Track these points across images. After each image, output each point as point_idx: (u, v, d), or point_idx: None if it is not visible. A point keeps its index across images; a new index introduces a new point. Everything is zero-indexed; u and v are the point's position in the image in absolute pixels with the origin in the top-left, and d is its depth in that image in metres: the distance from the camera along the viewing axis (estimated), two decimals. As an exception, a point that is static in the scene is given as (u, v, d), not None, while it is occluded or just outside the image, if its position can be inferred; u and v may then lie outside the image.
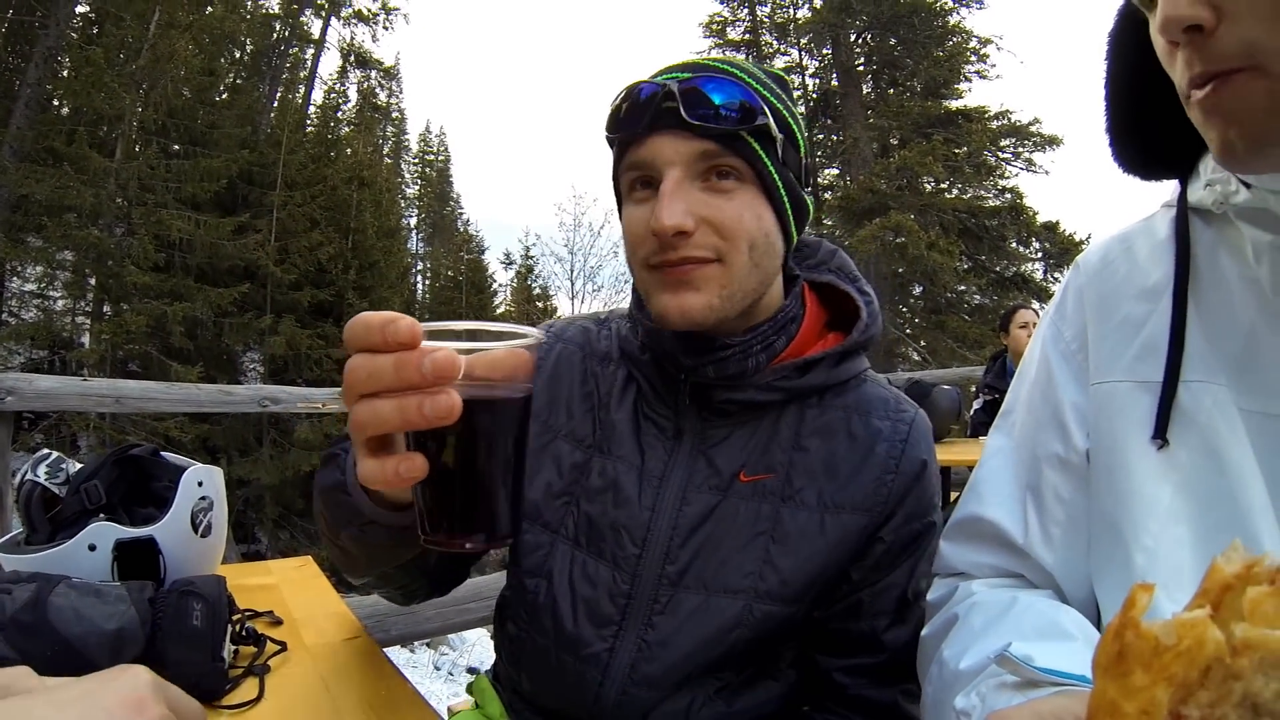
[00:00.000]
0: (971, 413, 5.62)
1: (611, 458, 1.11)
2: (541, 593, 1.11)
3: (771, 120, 0.97)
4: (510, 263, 34.65)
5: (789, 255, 1.09)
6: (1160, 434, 0.81)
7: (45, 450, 1.27)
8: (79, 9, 17.09)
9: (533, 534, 1.13)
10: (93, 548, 1.12)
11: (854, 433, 1.08)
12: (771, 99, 1.00)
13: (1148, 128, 0.88)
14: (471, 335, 0.61)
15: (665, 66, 1.04)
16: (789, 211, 1.02)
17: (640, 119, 0.96)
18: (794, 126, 1.03)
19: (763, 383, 1.06)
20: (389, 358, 0.57)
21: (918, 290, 21.43)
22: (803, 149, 1.05)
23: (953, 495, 5.18)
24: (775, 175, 0.99)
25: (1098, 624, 0.87)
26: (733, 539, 1.04)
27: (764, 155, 0.97)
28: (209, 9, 18.99)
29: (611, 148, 1.06)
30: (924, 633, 1.01)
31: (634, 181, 1.02)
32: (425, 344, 0.58)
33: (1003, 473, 1.00)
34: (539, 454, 1.15)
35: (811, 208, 1.09)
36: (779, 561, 1.03)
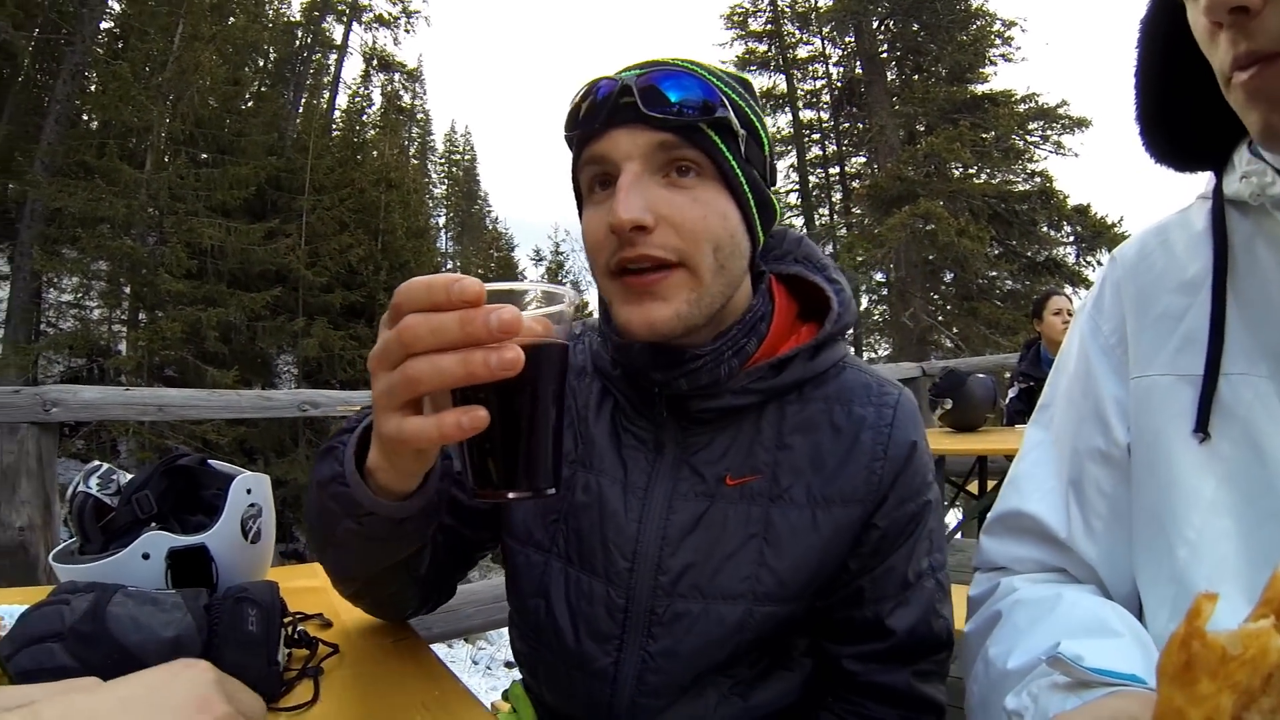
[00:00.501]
0: (1007, 401, 5.56)
1: (594, 472, 1.09)
2: (542, 612, 1.10)
3: (732, 114, 0.94)
4: (540, 259, 34.85)
5: (756, 255, 1.06)
6: (1202, 427, 0.80)
7: (96, 462, 1.29)
8: (104, 25, 17.37)
9: (525, 554, 1.13)
10: (146, 556, 1.13)
11: (837, 423, 1.05)
12: (733, 95, 0.98)
13: (1179, 117, 0.87)
14: (510, 294, 0.65)
15: (626, 65, 1.01)
16: (754, 209, 1.00)
17: (598, 115, 0.94)
18: (757, 125, 1.01)
19: (738, 387, 1.03)
20: (453, 315, 0.59)
21: (948, 277, 21.29)
22: (766, 148, 1.03)
23: (990, 484, 5.14)
24: (738, 170, 0.96)
25: (1140, 616, 0.86)
26: (725, 544, 1.02)
27: (724, 148, 0.95)
28: (231, 20, 19.26)
29: (570, 147, 1.03)
30: (966, 629, 1.01)
31: (593, 180, 0.99)
32: None
33: (1042, 467, 1.00)
34: None
35: (779, 208, 1.07)
36: (774, 562, 1.01)
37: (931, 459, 1.09)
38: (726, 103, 0.94)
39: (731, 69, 1.06)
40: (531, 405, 0.66)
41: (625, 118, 0.92)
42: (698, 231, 0.93)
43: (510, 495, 0.68)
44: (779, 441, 1.05)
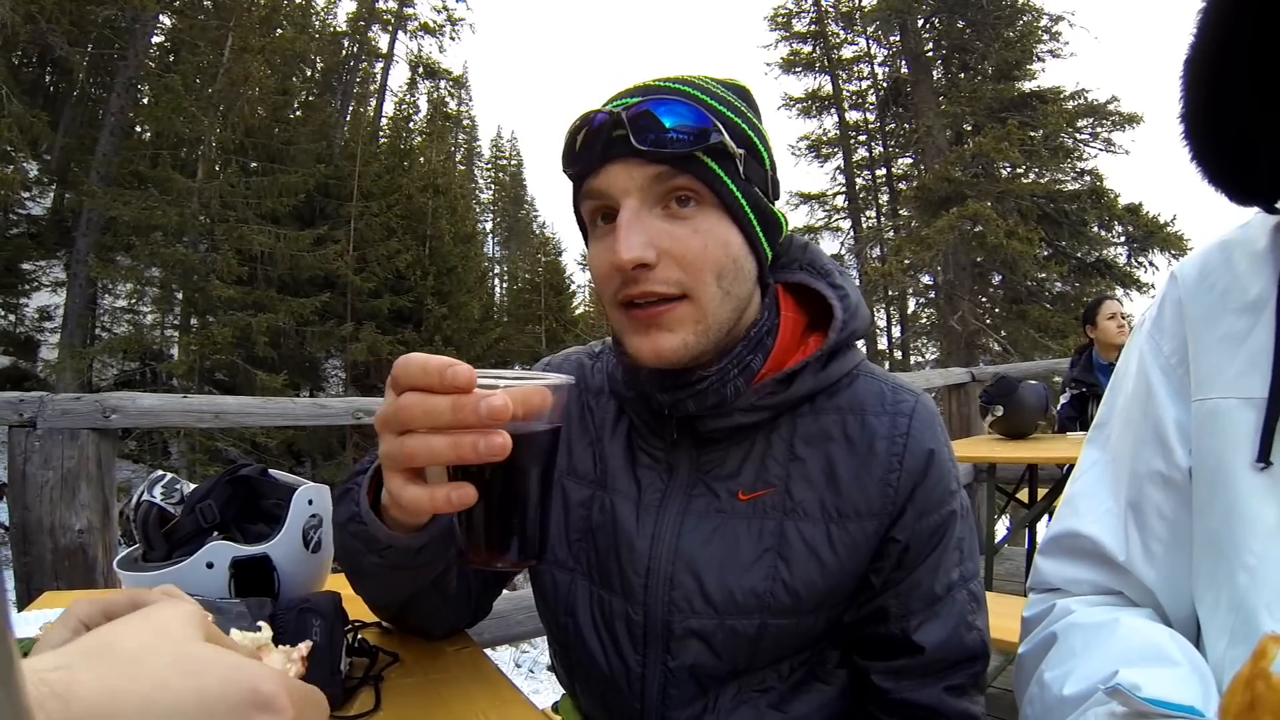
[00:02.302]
0: (1059, 408, 5.45)
1: (609, 491, 1.10)
2: (570, 630, 1.12)
3: (727, 136, 0.93)
4: (587, 264, 35.15)
5: (764, 271, 1.04)
6: (1264, 456, 0.78)
7: (160, 472, 1.32)
8: (155, 39, 17.80)
9: (552, 574, 1.14)
10: (210, 565, 1.15)
11: (850, 435, 1.03)
12: (727, 113, 0.96)
13: (1232, 137, 0.85)
14: (489, 383, 0.67)
15: (618, 91, 1.01)
16: (757, 229, 0.99)
17: (593, 150, 0.94)
18: (755, 139, 0.99)
19: (746, 404, 1.02)
20: (445, 399, 0.64)
21: (997, 279, 20.99)
22: (767, 161, 1.02)
23: (1040, 492, 5.05)
24: (737, 193, 0.95)
25: (1197, 642, 0.85)
26: (737, 559, 1.01)
27: (722, 173, 0.94)
28: (279, 31, 19.63)
29: (570, 180, 1.03)
30: (1021, 650, 0.99)
31: (594, 214, 0.99)
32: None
33: (1099, 487, 0.98)
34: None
35: (785, 221, 1.06)
36: (787, 577, 1.00)
37: (954, 466, 1.06)
38: (720, 124, 0.93)
39: (727, 77, 1.05)
40: (519, 485, 0.70)
41: (619, 151, 0.92)
42: (700, 263, 0.93)
43: (497, 565, 0.71)
44: (790, 454, 1.04)
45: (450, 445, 0.64)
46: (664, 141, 0.90)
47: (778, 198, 1.04)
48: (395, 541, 0.86)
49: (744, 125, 0.97)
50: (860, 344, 1.12)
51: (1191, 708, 0.68)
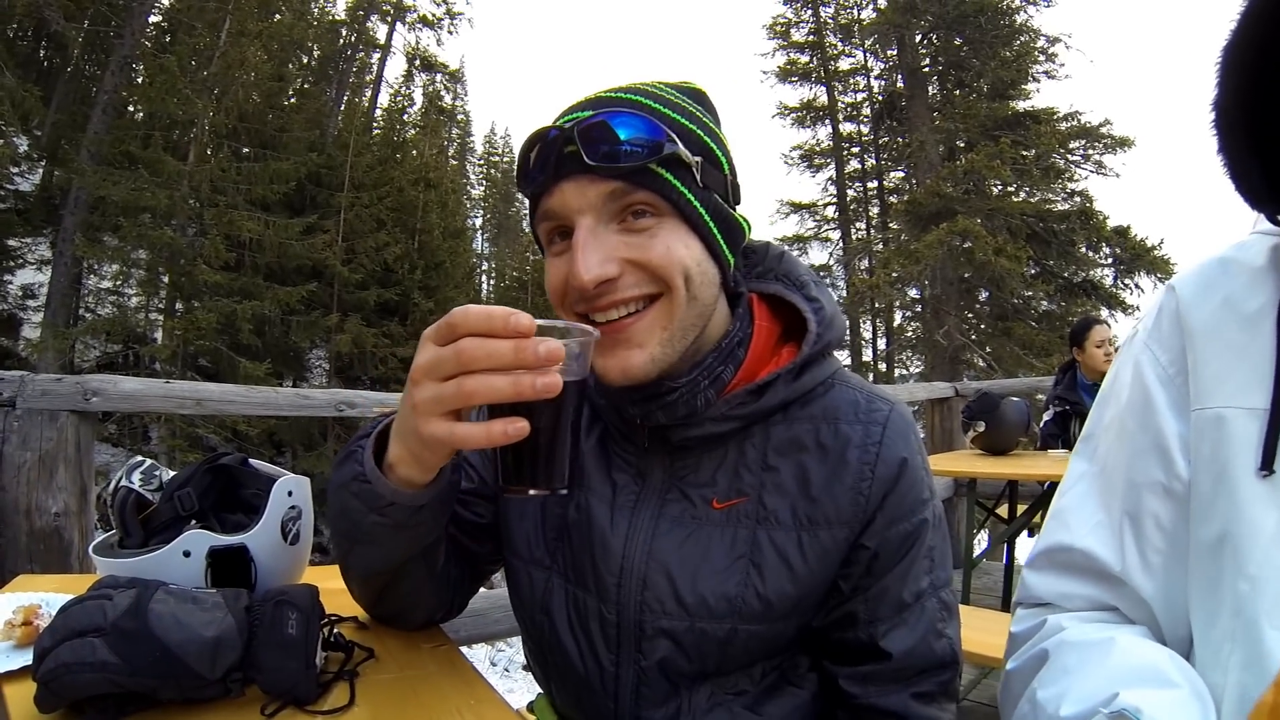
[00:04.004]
0: (1041, 425, 5.49)
1: (584, 490, 1.10)
2: (546, 628, 1.12)
3: (681, 146, 0.93)
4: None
5: (728, 277, 1.04)
6: (1268, 464, 0.78)
7: (139, 458, 1.31)
8: (152, 19, 17.70)
9: (529, 572, 1.15)
10: (187, 554, 1.14)
11: (824, 443, 1.03)
12: (681, 120, 0.96)
13: (1262, 132, 0.84)
14: (552, 329, 0.78)
15: (570, 105, 1.01)
16: (717, 236, 0.99)
17: (545, 167, 0.94)
18: (711, 145, 0.99)
19: (718, 414, 1.02)
20: (508, 343, 0.73)
21: (984, 296, 21.08)
22: (726, 166, 1.02)
23: (1019, 508, 5.08)
24: (695, 202, 0.95)
25: (1188, 657, 0.85)
26: (711, 565, 1.02)
27: (678, 183, 0.94)
28: (277, 17, 19.55)
29: (526, 199, 1.03)
30: (1009, 666, 0.98)
31: (551, 233, 1.00)
32: None
33: (1089, 500, 0.97)
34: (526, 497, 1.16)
35: (747, 225, 1.06)
36: (759, 585, 1.00)
37: (928, 475, 1.06)
38: (674, 133, 0.93)
39: (682, 81, 1.06)
40: (556, 421, 0.80)
41: (571, 168, 0.92)
42: (666, 265, 0.93)
43: (531, 492, 0.81)
44: (764, 463, 1.04)
45: (511, 383, 0.73)
46: (616, 155, 0.90)
47: (739, 202, 1.05)
48: (399, 498, 0.91)
49: (699, 131, 0.98)
50: (845, 354, 1.13)
51: None
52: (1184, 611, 0.87)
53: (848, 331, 1.13)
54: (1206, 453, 0.85)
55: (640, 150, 0.90)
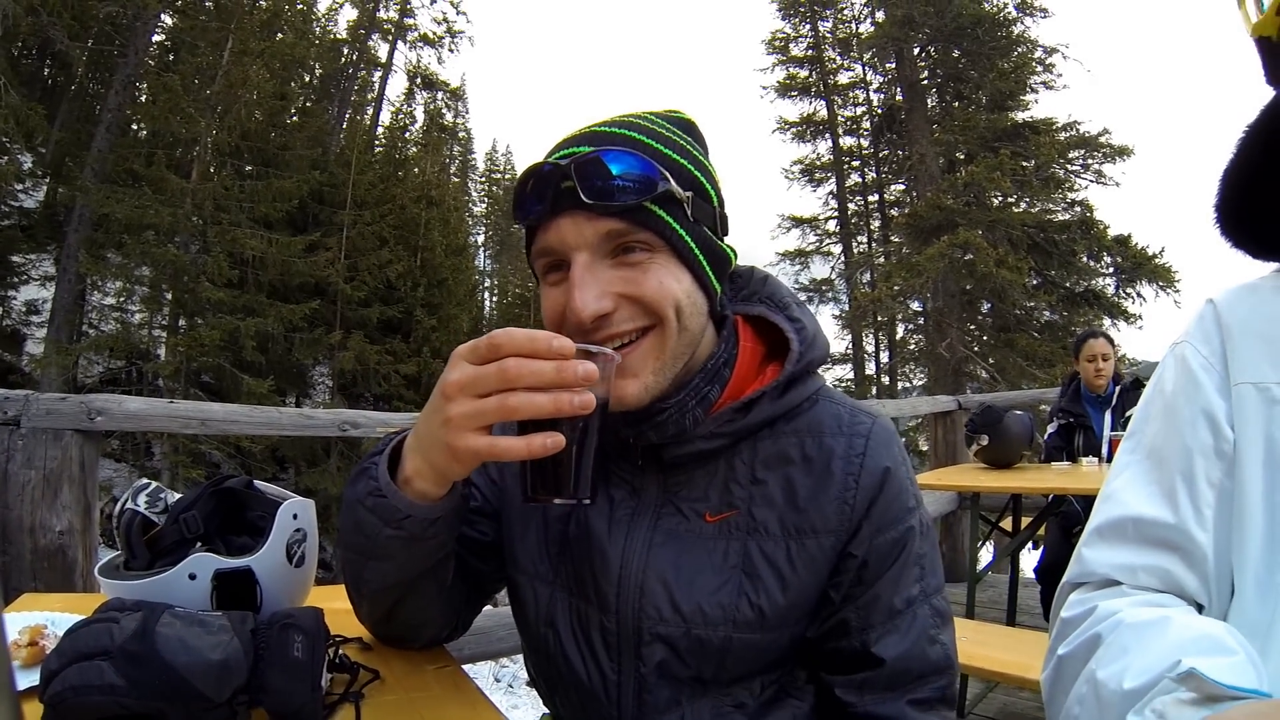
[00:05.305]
0: (1046, 437, 5.46)
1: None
2: (551, 641, 1.14)
3: (674, 183, 0.97)
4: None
5: (715, 304, 1.08)
6: None
7: (144, 480, 1.31)
8: (156, 38, 17.80)
9: (533, 588, 1.17)
10: (193, 577, 1.14)
11: (809, 455, 1.06)
12: (674, 156, 1.00)
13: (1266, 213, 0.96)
14: (586, 352, 0.83)
15: (565, 138, 1.04)
16: (706, 268, 1.03)
17: (542, 202, 0.97)
18: (701, 179, 1.03)
19: (706, 432, 1.06)
20: (551, 363, 0.78)
21: (986, 307, 21.09)
22: (715, 199, 1.05)
23: (1023, 521, 5.06)
24: (686, 237, 0.99)
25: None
26: (706, 577, 1.04)
27: (670, 220, 0.97)
28: (280, 36, 19.66)
29: (523, 230, 1.07)
30: (1061, 652, 0.98)
31: (546, 266, 1.03)
32: None
33: (1139, 479, 1.01)
34: (528, 511, 1.19)
35: (733, 255, 1.10)
36: (753, 595, 1.03)
37: (912, 484, 1.09)
38: (667, 171, 0.97)
39: (671, 110, 1.09)
40: (584, 435, 0.85)
41: (567, 204, 0.95)
42: (659, 300, 0.97)
43: (557, 501, 0.87)
44: (752, 477, 1.07)
45: (552, 400, 0.78)
46: (611, 192, 0.93)
47: (727, 233, 1.09)
48: (415, 511, 0.94)
49: (690, 166, 1.01)
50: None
51: (1259, 690, 0.70)
52: (1229, 569, 0.91)
53: (829, 349, 1.17)
54: (1248, 420, 0.92)
55: (634, 187, 0.94)
